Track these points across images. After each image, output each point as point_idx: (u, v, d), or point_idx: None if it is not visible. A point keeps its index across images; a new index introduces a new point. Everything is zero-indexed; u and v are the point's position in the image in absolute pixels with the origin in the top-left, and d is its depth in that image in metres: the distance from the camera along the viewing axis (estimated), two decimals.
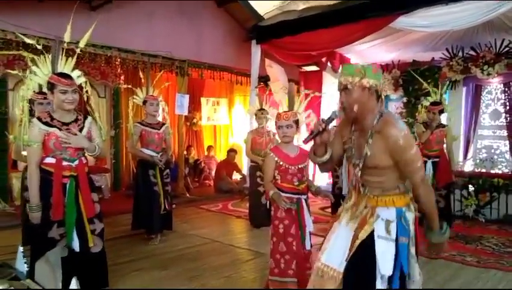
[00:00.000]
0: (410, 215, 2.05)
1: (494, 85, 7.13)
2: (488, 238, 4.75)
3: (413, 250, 2.03)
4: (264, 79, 7.66)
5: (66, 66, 2.78)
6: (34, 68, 2.73)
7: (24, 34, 5.14)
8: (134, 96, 4.65)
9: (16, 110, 3.81)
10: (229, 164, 8.32)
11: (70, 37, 2.85)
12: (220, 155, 9.53)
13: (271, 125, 5.51)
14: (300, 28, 6.58)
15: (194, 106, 8.95)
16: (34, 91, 3.78)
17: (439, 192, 4.78)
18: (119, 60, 6.41)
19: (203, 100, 9.29)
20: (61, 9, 5.55)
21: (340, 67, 2.10)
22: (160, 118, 4.92)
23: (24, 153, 3.91)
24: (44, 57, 2.72)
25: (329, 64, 7.98)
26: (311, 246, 2.91)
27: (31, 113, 3.82)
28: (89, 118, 2.88)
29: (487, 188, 5.78)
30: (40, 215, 2.65)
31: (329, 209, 6.03)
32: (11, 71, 4.01)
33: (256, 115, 5.41)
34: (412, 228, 2.03)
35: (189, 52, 7.20)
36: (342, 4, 6.16)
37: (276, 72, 7.67)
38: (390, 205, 2.03)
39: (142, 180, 4.45)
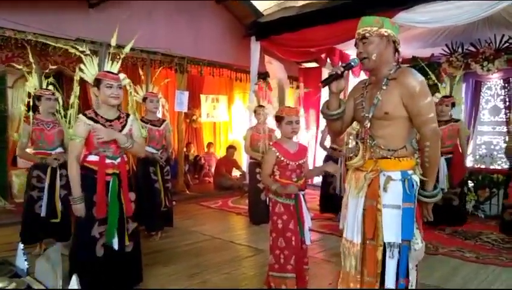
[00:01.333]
0: (416, 179, 2.02)
1: (494, 81, 7.14)
2: (487, 234, 4.76)
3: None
4: (263, 76, 7.64)
5: (111, 68, 2.86)
6: (81, 66, 2.83)
7: (23, 32, 5.22)
8: (134, 93, 4.65)
9: (21, 106, 3.82)
10: (228, 161, 8.32)
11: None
12: (220, 152, 9.53)
13: (269, 122, 5.52)
14: (300, 24, 6.56)
15: (194, 102, 8.93)
16: (35, 88, 3.81)
17: (454, 190, 4.70)
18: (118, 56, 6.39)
19: (202, 97, 9.28)
20: (60, 7, 5.55)
21: (360, 20, 2.11)
22: (160, 115, 4.92)
23: (28, 150, 3.90)
24: (91, 59, 2.82)
25: (328, 60, 7.96)
26: (311, 241, 2.93)
27: (35, 109, 3.84)
28: (131, 116, 2.96)
29: (486, 184, 5.79)
30: (84, 208, 2.68)
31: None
32: (15, 65, 4.03)
33: (255, 111, 5.41)
34: (416, 192, 2.02)
35: (188, 49, 7.19)
36: (341, 0, 6.15)
37: (276, 69, 7.66)
38: (396, 168, 2.01)
39: (143, 177, 4.46)
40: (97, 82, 2.74)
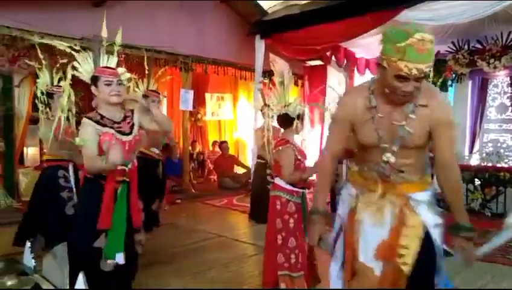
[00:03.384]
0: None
1: (501, 78, 7.08)
2: (493, 232, 4.72)
3: None
4: (268, 74, 7.63)
5: (108, 64, 2.61)
6: (75, 64, 2.59)
7: (29, 31, 5.25)
8: (135, 89, 4.55)
9: (39, 105, 3.70)
10: (227, 158, 8.30)
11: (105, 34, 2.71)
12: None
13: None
14: (305, 22, 6.55)
15: (199, 101, 8.95)
16: (46, 85, 3.79)
17: None
18: (123, 55, 6.41)
19: (207, 95, 9.29)
20: (64, 5, 5.58)
21: (419, 51, 1.52)
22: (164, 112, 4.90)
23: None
24: (86, 54, 2.58)
25: (333, 58, 7.94)
26: None
27: (49, 108, 3.74)
28: (136, 110, 2.66)
29: (493, 182, 5.74)
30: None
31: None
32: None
33: (262, 110, 5.37)
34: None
35: (193, 48, 7.20)
36: None
37: (280, 67, 7.66)
38: (422, 188, 1.80)
39: None
40: (94, 79, 2.46)
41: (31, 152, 7.06)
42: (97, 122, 2.43)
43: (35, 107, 3.89)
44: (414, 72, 1.51)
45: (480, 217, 5.44)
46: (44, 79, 3.76)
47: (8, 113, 5.81)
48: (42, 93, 3.73)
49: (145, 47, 6.46)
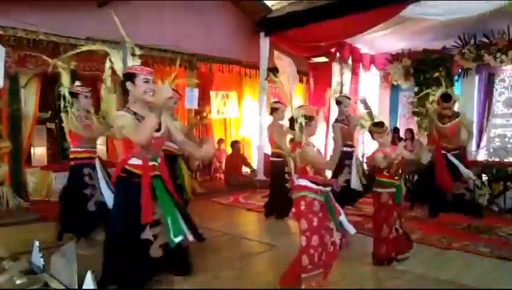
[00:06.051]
0: None
1: (508, 72, 7.01)
2: (501, 227, 4.69)
3: None
4: (273, 71, 7.61)
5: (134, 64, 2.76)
6: (112, 58, 2.75)
7: (34, 32, 5.29)
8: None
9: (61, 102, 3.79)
10: (237, 157, 8.31)
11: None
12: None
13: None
14: (309, 18, 6.53)
15: (204, 99, 8.94)
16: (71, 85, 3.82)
17: (465, 185, 4.78)
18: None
19: (212, 93, 9.28)
20: (69, 6, 5.61)
21: None
22: None
23: (73, 149, 3.87)
24: (118, 54, 2.74)
25: (338, 54, 7.91)
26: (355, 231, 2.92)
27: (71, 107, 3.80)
28: (165, 114, 2.82)
29: (501, 177, 5.70)
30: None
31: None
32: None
33: (277, 108, 5.23)
34: None
35: (198, 46, 7.20)
36: None
37: (285, 65, 7.62)
38: None
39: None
40: (131, 76, 2.60)
41: (38, 152, 7.11)
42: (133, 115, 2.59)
43: (42, 108, 3.92)
44: None
45: (488, 213, 5.40)
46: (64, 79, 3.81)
47: (15, 114, 5.85)
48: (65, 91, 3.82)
49: (150, 46, 6.48)
